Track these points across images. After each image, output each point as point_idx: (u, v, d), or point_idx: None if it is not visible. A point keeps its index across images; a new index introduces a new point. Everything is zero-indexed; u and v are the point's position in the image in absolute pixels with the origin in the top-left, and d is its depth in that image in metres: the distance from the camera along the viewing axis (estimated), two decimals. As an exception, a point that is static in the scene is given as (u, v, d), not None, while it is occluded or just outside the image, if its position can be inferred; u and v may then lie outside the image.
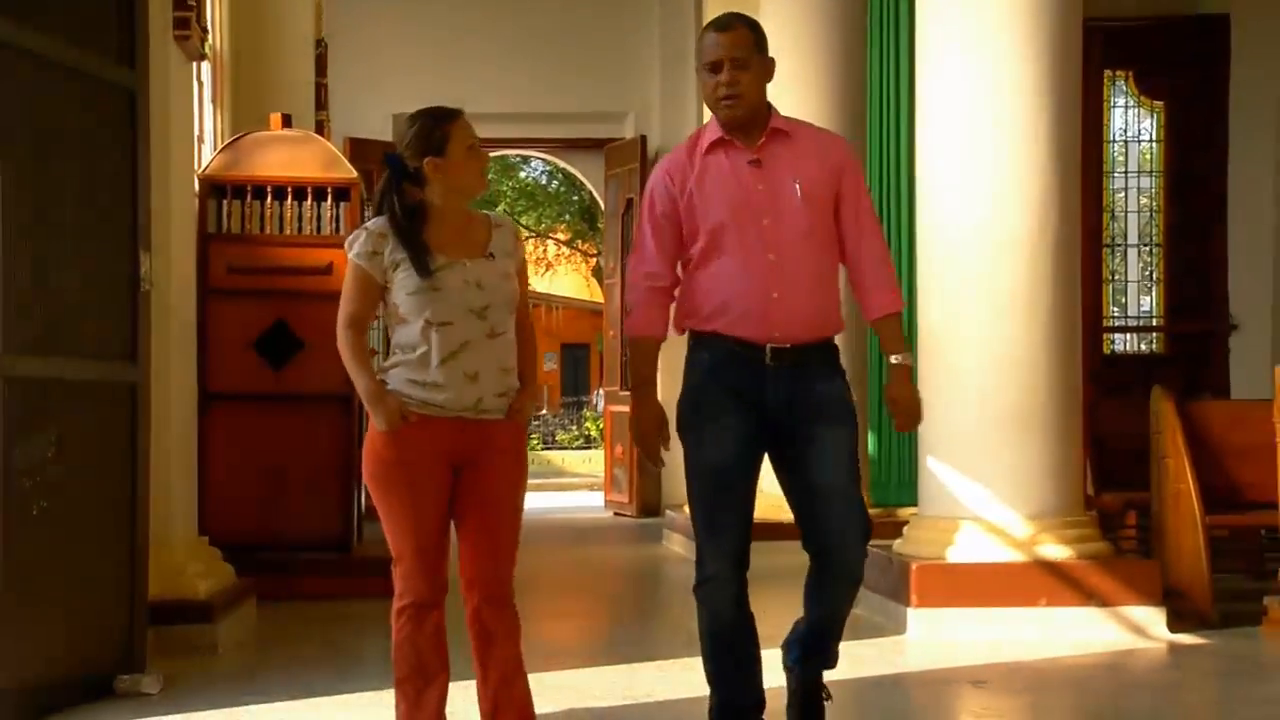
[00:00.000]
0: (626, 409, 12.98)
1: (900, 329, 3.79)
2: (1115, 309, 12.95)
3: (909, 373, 3.80)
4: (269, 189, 7.00)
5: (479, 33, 12.11)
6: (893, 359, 3.75)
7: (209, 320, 6.79)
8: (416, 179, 3.65)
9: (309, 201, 7.03)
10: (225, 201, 6.98)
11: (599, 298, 15.02)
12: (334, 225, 7.05)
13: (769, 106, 3.76)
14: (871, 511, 7.04)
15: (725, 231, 3.64)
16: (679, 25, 11.98)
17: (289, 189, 7.01)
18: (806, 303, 3.64)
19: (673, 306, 3.79)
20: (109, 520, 4.75)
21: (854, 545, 3.67)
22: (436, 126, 3.64)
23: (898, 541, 6.17)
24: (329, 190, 7.06)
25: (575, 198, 27.75)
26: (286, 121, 7.31)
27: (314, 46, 9.11)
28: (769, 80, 3.74)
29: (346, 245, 3.68)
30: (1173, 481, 6.35)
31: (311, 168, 7.10)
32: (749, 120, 3.69)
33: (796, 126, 3.78)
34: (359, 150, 10.28)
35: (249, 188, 6.99)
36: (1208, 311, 11.20)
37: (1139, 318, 12.76)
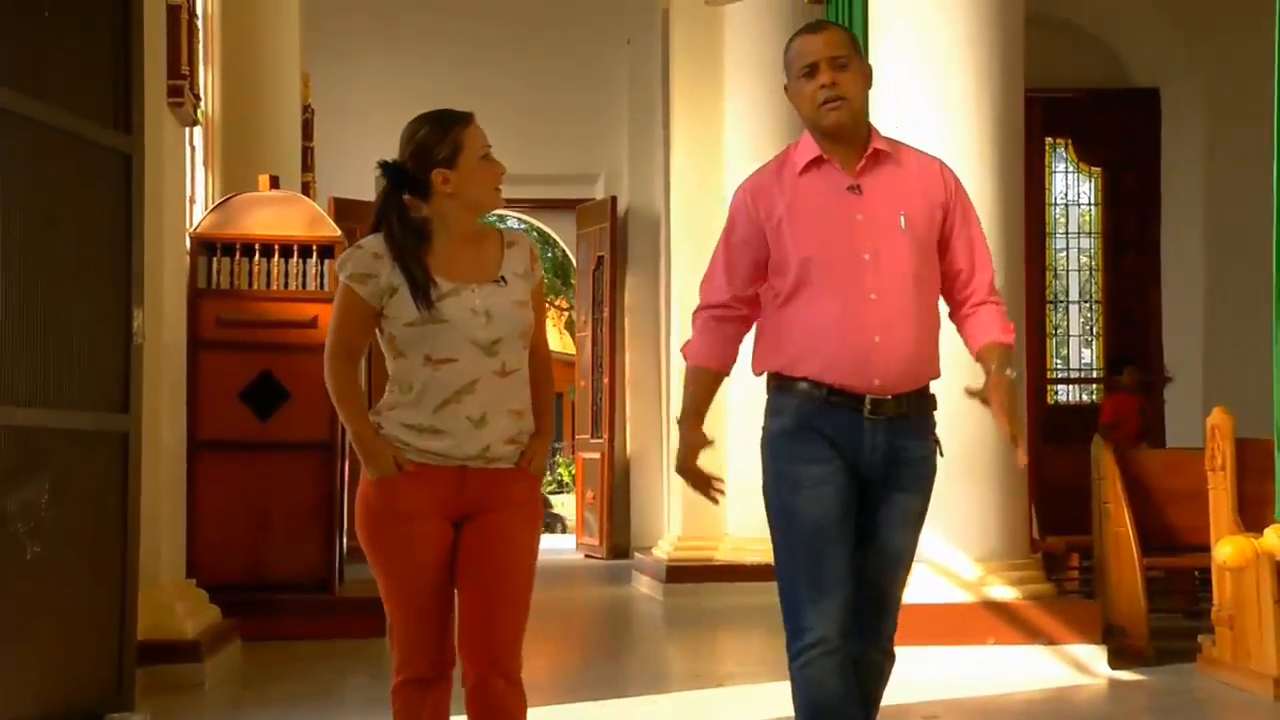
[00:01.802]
0: (597, 455, 13.00)
1: (1010, 354, 3.20)
2: (1058, 361, 13.05)
3: (1015, 386, 3.17)
4: (257, 246, 6.99)
5: (457, 99, 12.06)
6: (1004, 373, 3.13)
7: (199, 371, 6.76)
8: (420, 190, 3.05)
9: (295, 258, 7.03)
10: (215, 258, 6.97)
11: (571, 349, 15.02)
12: (319, 281, 7.05)
13: (869, 124, 3.19)
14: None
15: (819, 266, 3.07)
16: (647, 92, 12.05)
17: (276, 246, 7.01)
18: (909, 349, 3.09)
19: (745, 340, 3.26)
20: (100, 563, 4.70)
21: (890, 613, 3.18)
22: (446, 133, 3.05)
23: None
24: (314, 248, 7.07)
25: (549, 255, 27.81)
26: (274, 183, 7.33)
27: (301, 112, 9.13)
28: (869, 88, 3.18)
29: (337, 265, 3.10)
30: (1112, 525, 6.37)
31: (297, 226, 7.11)
32: (852, 132, 3.11)
33: (899, 148, 3.20)
34: (343, 209, 10.31)
35: (238, 245, 6.98)
36: (1145, 365, 11.26)
37: (1080, 370, 12.86)
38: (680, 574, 8.97)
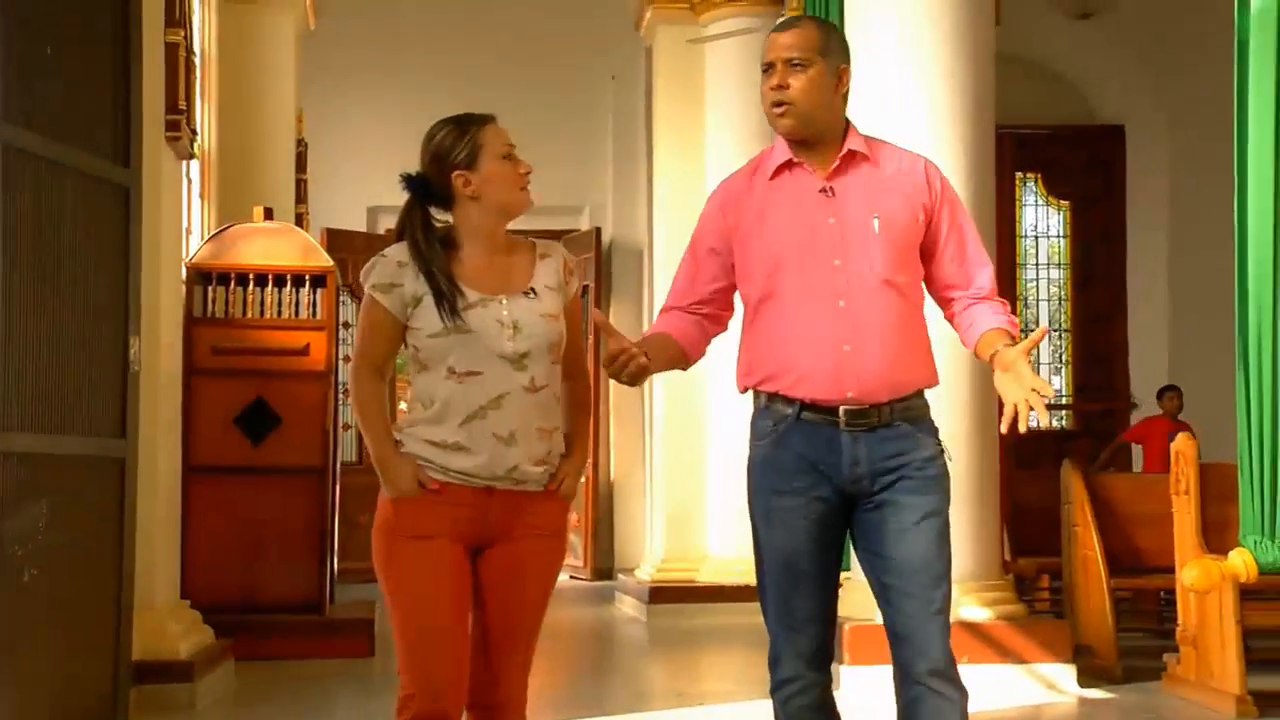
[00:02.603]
0: (582, 480, 12.95)
1: (1008, 337, 2.87)
2: (1028, 388, 13.07)
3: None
4: (251, 276, 6.99)
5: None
6: (1006, 345, 2.82)
7: (194, 397, 6.75)
8: (442, 198, 2.88)
9: (288, 288, 7.03)
10: (210, 288, 6.97)
11: (556, 376, 14.92)
12: (311, 310, 7.05)
13: (847, 124, 2.94)
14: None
15: (784, 273, 2.84)
16: (631, 127, 12.08)
17: (270, 276, 7.01)
18: (884, 356, 2.82)
19: (707, 340, 3.02)
20: (96, 585, 4.69)
21: (936, 633, 2.81)
22: (464, 134, 2.87)
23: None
24: (306, 277, 7.07)
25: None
26: (269, 214, 7.35)
27: (295, 146, 9.15)
28: (840, 90, 2.90)
29: (362, 275, 2.90)
30: (1081, 548, 6.40)
31: (290, 257, 7.11)
32: (816, 136, 2.88)
33: (878, 148, 2.95)
34: (335, 240, 10.33)
35: (233, 275, 6.98)
36: (1112, 391, 11.34)
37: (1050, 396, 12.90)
38: (663, 595, 8.96)
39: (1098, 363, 12.02)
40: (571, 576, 12.65)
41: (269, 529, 6.92)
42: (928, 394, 2.93)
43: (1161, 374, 11.22)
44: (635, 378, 2.75)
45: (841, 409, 2.82)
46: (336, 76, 11.54)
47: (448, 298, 2.78)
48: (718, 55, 9.34)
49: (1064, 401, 12.39)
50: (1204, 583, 4.41)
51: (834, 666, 5.68)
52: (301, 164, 9.35)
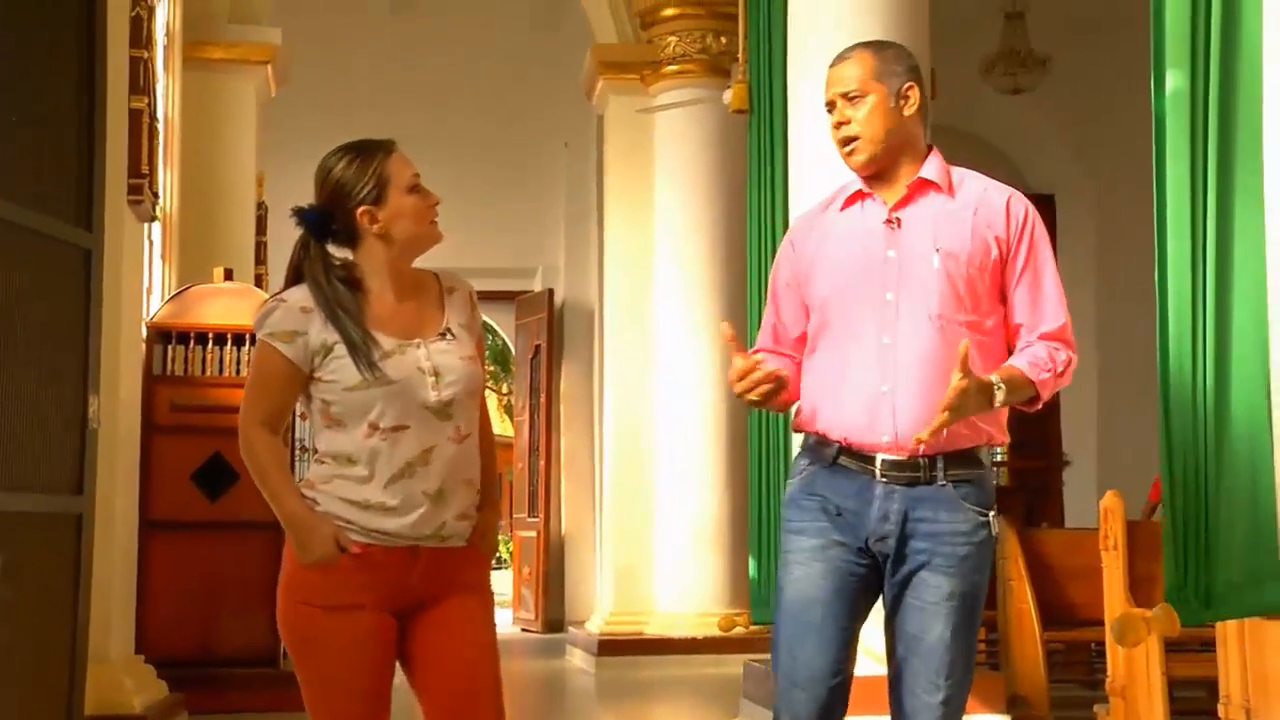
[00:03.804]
0: (533, 534, 12.90)
1: (1022, 387, 2.57)
2: (965, 446, 13.17)
3: (991, 395, 2.49)
4: (210, 335, 6.97)
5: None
6: (990, 377, 2.50)
7: (152, 453, 6.68)
8: (344, 236, 2.54)
9: (246, 347, 7.00)
10: (171, 346, 6.94)
11: (510, 432, 15.01)
12: (269, 369, 7.02)
13: (929, 151, 2.66)
14: (753, 628, 7.13)
15: (836, 308, 2.60)
16: (583, 192, 12.16)
17: (229, 335, 6.98)
18: (927, 401, 2.48)
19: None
20: (50, 640, 4.61)
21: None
22: (367, 166, 2.52)
23: (774, 656, 6.15)
24: (265, 337, 7.05)
25: (490, 342, 27.82)
26: (228, 275, 7.33)
27: (255, 209, 9.14)
28: (907, 112, 2.63)
29: (255, 322, 2.54)
30: (1015, 601, 6.43)
31: (249, 317, 6.97)
32: (883, 166, 2.63)
33: (962, 176, 2.66)
34: (294, 300, 10.29)
35: (192, 334, 6.96)
36: (1045, 449, 11.44)
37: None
38: (612, 647, 8.92)
39: (1031, 421, 12.11)
40: (523, 629, 12.56)
41: (225, 583, 6.85)
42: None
43: (1092, 432, 11.36)
44: (767, 398, 2.52)
45: (879, 456, 2.53)
46: (296, 141, 11.52)
47: (361, 347, 2.43)
48: (666, 124, 9.44)
49: (999, 459, 12.49)
50: (1130, 636, 4.43)
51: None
52: (261, 226, 9.33)
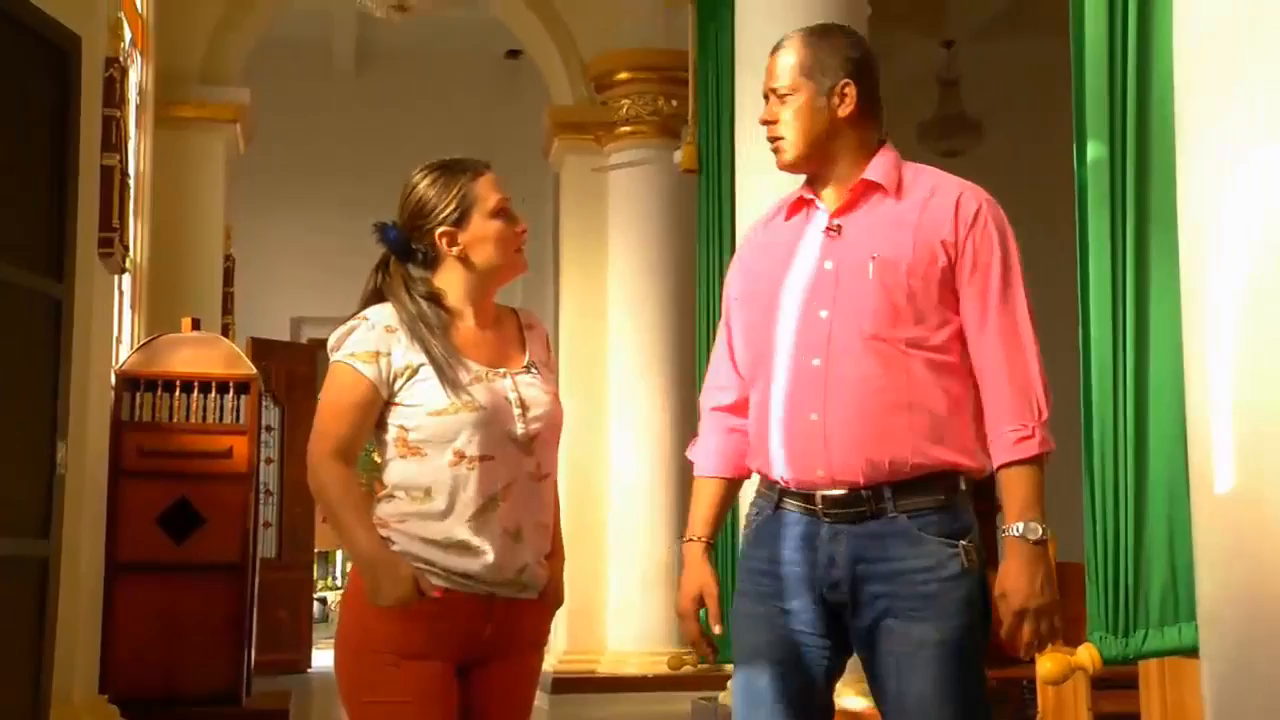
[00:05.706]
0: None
1: (1029, 485, 2.18)
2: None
3: (1034, 554, 2.14)
4: (178, 383, 6.92)
5: (367, 253, 12.15)
6: (1007, 530, 2.16)
7: (120, 497, 6.61)
8: (424, 260, 2.30)
9: (213, 394, 6.97)
10: (139, 393, 6.88)
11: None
12: (234, 415, 6.99)
13: (877, 149, 2.26)
14: (702, 667, 7.11)
15: (768, 327, 2.21)
16: (539, 247, 12.11)
17: (195, 383, 6.95)
18: (863, 428, 2.10)
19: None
20: (14, 680, 4.52)
21: None
22: (452, 184, 2.30)
23: (723, 694, 6.14)
24: (230, 384, 7.01)
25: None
26: (196, 325, 7.31)
27: (223, 261, 9.12)
28: (842, 113, 2.23)
29: (332, 343, 2.25)
30: (950, 640, 6.45)
31: (216, 365, 7.06)
32: (826, 169, 2.25)
33: (912, 175, 2.26)
34: (260, 349, 10.23)
35: (160, 382, 6.91)
36: (979, 499, 11.47)
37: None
38: (566, 685, 8.85)
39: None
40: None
41: (190, 623, 6.77)
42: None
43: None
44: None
45: (818, 494, 2.14)
46: (263, 196, 11.52)
47: (448, 370, 2.18)
48: (619, 182, 9.51)
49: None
50: (1057, 674, 4.46)
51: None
52: (229, 278, 9.31)
